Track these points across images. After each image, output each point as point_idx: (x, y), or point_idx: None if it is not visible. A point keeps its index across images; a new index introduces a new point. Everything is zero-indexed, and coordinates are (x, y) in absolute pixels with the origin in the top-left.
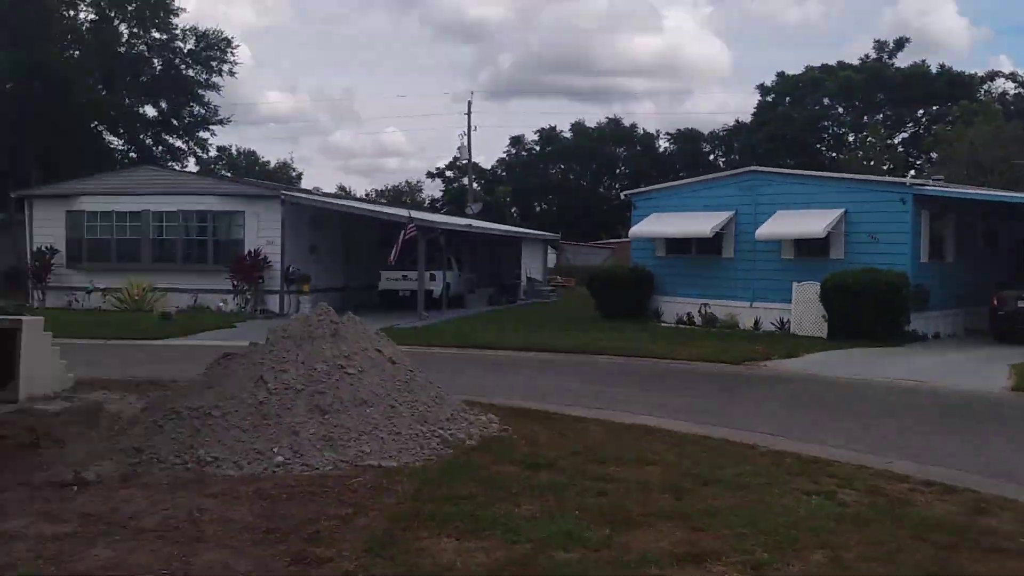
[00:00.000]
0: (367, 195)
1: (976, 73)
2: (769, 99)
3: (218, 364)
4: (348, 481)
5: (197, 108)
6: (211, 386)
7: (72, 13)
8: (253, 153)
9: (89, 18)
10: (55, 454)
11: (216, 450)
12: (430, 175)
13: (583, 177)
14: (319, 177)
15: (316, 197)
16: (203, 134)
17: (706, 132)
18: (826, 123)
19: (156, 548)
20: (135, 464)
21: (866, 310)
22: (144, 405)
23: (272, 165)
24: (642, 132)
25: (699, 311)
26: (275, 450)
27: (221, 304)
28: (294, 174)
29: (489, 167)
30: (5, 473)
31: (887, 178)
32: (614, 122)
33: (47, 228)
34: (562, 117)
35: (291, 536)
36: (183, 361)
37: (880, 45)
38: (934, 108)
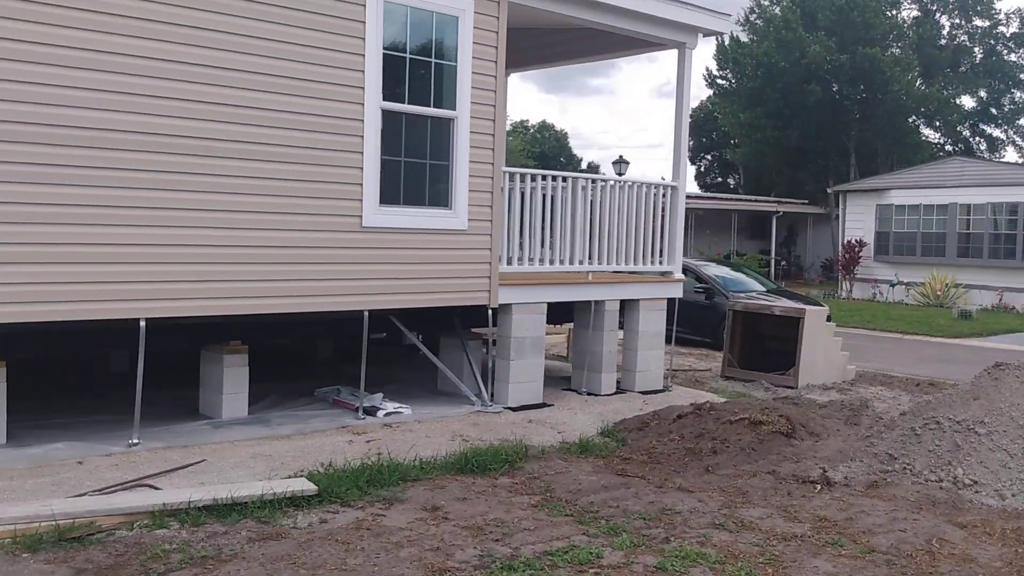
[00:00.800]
0: None
1: None
2: None
3: (987, 374)
4: None
5: (1020, 94)
6: (977, 397)
7: (894, 12)
8: None
9: (911, 15)
10: (808, 447)
11: (976, 472)
12: None
13: None
14: None
15: None
16: None
17: None
18: None
19: (879, 573)
20: (886, 472)
21: None
22: (906, 408)
23: None
24: None
25: None
26: None
27: None
28: None
29: None
30: (758, 460)
31: None
32: None
33: (858, 221)
34: None
35: None
36: (973, 363)
37: None
38: None
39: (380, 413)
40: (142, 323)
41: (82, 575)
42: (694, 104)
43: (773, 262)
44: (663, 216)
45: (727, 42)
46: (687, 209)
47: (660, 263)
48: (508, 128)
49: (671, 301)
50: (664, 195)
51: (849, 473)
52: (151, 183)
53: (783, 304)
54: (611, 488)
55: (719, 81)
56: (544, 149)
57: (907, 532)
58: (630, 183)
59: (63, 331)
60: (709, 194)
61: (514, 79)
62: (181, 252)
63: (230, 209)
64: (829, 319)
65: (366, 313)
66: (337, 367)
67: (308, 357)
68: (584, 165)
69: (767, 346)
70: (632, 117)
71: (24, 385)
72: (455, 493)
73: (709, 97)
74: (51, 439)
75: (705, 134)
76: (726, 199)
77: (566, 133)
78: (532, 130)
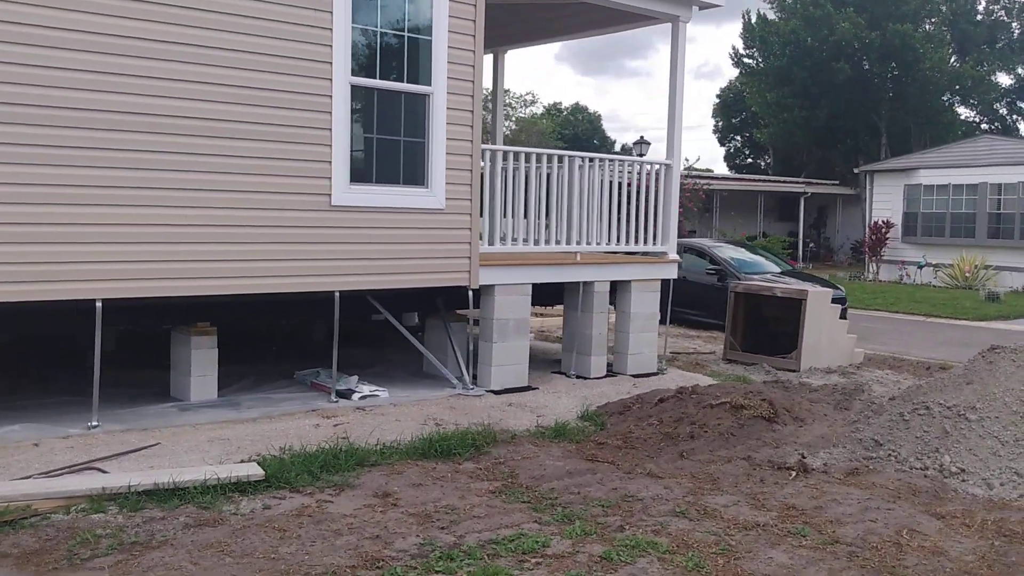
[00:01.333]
0: None
1: None
2: None
3: (982, 357)
4: None
5: None
6: (970, 382)
7: None
8: None
9: None
10: (790, 432)
11: (964, 460)
12: None
13: None
14: None
15: None
16: None
17: None
18: None
19: (836, 566)
20: (869, 459)
21: None
22: (894, 393)
23: None
24: None
25: None
26: None
27: None
28: None
29: None
30: (736, 445)
31: None
32: None
33: (886, 202)
34: None
35: None
36: None
37: None
38: None
39: (355, 396)
40: (98, 304)
41: (5, 559)
42: (722, 84)
43: (801, 244)
44: (656, 195)
45: (754, 20)
46: (711, 191)
47: (654, 243)
48: (540, 111)
49: (666, 282)
50: (658, 174)
51: (829, 459)
52: (105, 161)
53: (785, 285)
54: (576, 474)
55: (745, 60)
56: (577, 132)
57: (878, 522)
58: (619, 160)
59: (43, 312)
60: (734, 175)
61: (549, 61)
62: (138, 232)
63: (190, 188)
64: (844, 301)
65: (337, 294)
66: (329, 349)
67: (301, 338)
68: (618, 147)
69: (771, 328)
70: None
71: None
72: (412, 479)
73: (737, 77)
74: (12, 421)
75: (734, 114)
76: (752, 180)
77: (600, 115)
78: (565, 112)
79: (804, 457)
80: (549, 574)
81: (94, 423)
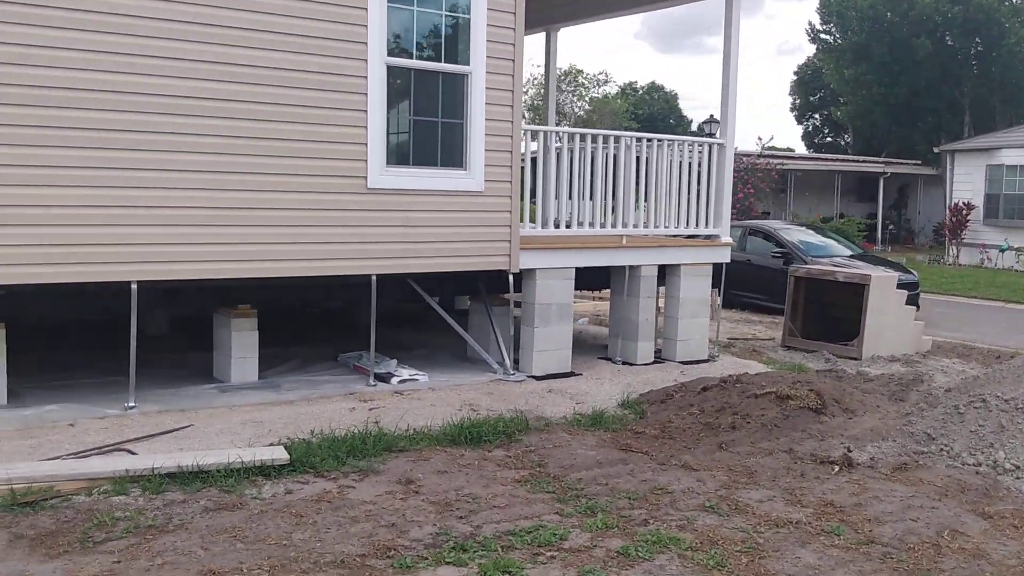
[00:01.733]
0: None
1: None
2: None
3: None
4: None
5: None
6: None
7: None
8: None
9: None
10: (838, 424)
11: (1019, 456)
12: None
13: None
14: None
15: None
16: None
17: None
18: None
19: (867, 568)
20: (919, 454)
21: None
22: (951, 385)
23: None
24: None
25: None
26: None
27: None
28: None
29: None
30: (779, 437)
31: None
32: None
33: (966, 182)
34: None
35: None
36: None
37: None
38: None
39: (394, 380)
40: (133, 286)
41: (19, 541)
42: (800, 60)
43: (880, 226)
44: (709, 176)
45: None
46: (785, 170)
47: (705, 226)
48: (614, 90)
49: (718, 266)
50: (710, 154)
51: (877, 454)
52: (145, 144)
53: (848, 269)
54: (607, 464)
55: (823, 36)
56: (652, 111)
57: (919, 522)
58: (668, 141)
59: (98, 292)
60: (811, 154)
61: (627, 38)
62: (174, 214)
63: (225, 171)
64: (916, 286)
65: (374, 277)
66: (378, 332)
67: (350, 320)
68: (694, 127)
69: (834, 314)
70: (750, 76)
71: (50, 346)
72: (437, 466)
73: (815, 53)
74: (52, 400)
75: (812, 92)
76: (828, 159)
77: (676, 94)
78: (640, 92)
79: (850, 451)
80: (563, 568)
81: (131, 404)
